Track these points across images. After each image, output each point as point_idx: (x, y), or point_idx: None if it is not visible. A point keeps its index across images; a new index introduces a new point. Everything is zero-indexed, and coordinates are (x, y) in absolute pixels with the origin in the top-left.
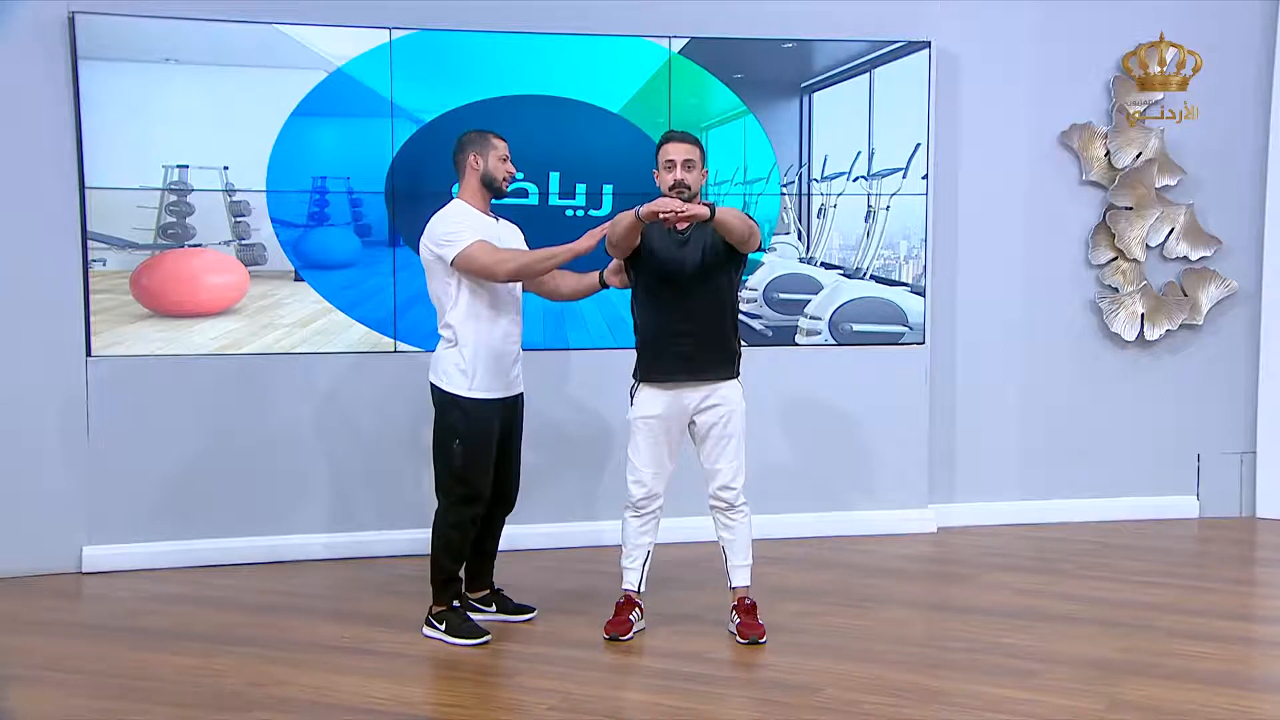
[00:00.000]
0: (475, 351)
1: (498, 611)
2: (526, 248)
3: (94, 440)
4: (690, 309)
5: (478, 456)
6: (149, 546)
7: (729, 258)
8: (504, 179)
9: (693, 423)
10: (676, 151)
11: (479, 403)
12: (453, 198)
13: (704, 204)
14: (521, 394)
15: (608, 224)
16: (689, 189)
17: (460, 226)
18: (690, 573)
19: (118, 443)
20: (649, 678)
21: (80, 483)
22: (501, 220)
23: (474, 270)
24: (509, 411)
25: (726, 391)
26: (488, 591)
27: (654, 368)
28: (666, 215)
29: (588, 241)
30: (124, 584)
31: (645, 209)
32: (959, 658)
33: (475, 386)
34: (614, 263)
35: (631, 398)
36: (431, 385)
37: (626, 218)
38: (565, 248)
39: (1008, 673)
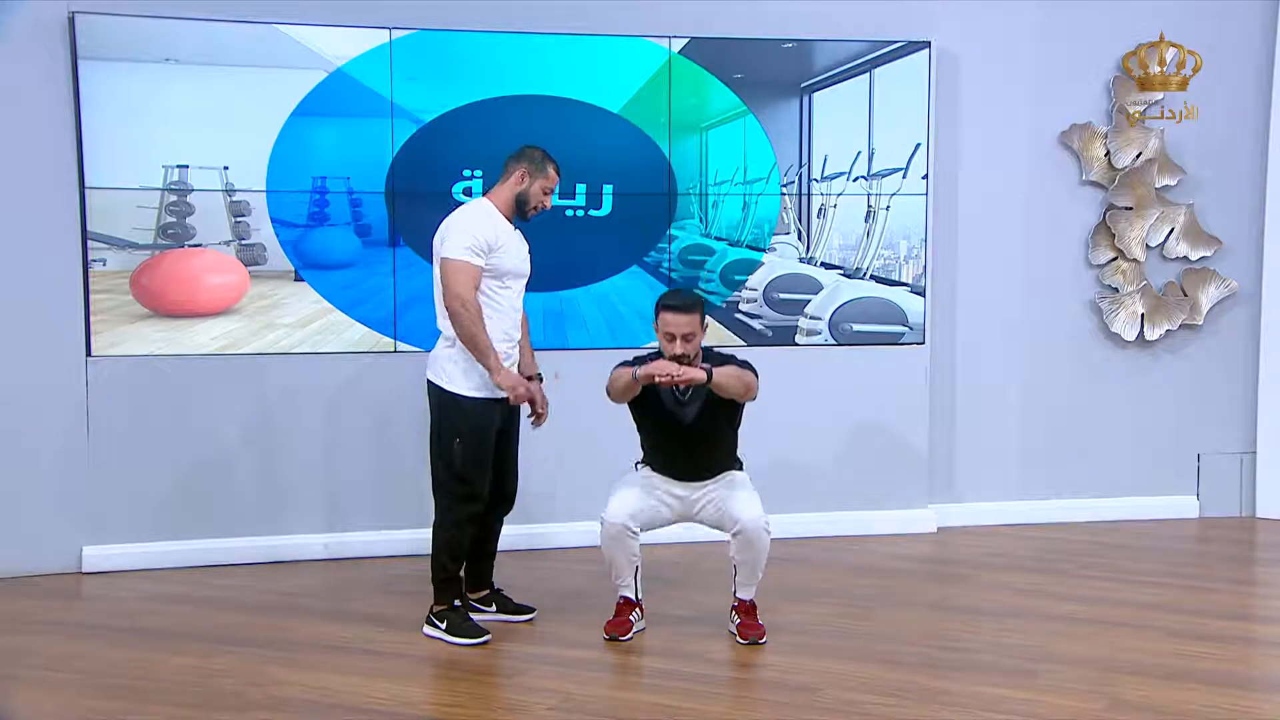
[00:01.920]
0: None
1: (498, 611)
2: (528, 261)
3: (94, 440)
4: (691, 453)
5: (477, 455)
6: (149, 546)
7: (726, 408)
8: (535, 207)
9: (697, 504)
10: (676, 325)
11: (479, 402)
12: (452, 197)
13: (701, 367)
14: None
15: (527, 391)
16: (688, 359)
17: (469, 237)
18: (690, 573)
19: (118, 443)
20: (649, 678)
21: (80, 483)
22: (517, 231)
23: (443, 281)
24: (506, 410)
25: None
26: (488, 591)
27: (657, 469)
28: (663, 380)
29: (503, 380)
30: (124, 584)
31: (642, 371)
32: (959, 658)
33: (476, 386)
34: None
35: (636, 468)
36: (430, 383)
37: (624, 376)
38: (490, 361)
39: (1008, 673)
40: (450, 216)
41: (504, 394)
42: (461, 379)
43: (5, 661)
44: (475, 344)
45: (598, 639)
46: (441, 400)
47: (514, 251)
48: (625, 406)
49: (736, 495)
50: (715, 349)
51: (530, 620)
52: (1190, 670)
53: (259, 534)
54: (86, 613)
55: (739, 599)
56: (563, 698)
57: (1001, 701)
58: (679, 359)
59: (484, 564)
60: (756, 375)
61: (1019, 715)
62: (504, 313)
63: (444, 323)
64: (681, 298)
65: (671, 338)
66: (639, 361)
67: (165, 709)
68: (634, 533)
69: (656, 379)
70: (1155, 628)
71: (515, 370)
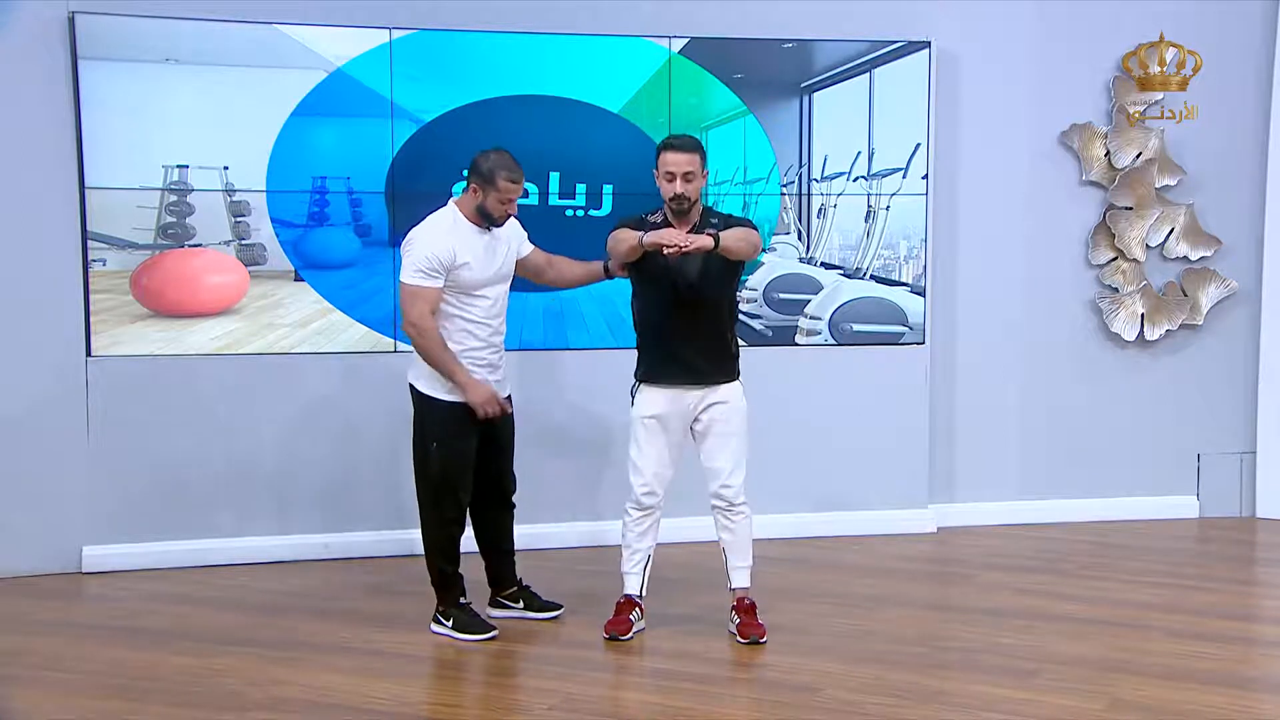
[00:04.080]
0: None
1: (525, 609)
2: (526, 237)
3: (94, 440)
4: (690, 316)
5: (455, 459)
6: (149, 546)
7: (728, 267)
8: (500, 217)
9: (696, 421)
10: (676, 163)
11: (455, 405)
12: (452, 197)
13: (709, 233)
14: (509, 396)
15: (501, 405)
16: (689, 200)
17: (422, 258)
18: (690, 573)
19: (118, 443)
20: (649, 678)
21: (80, 483)
22: (495, 228)
23: (400, 303)
24: None
25: (726, 391)
26: (514, 588)
27: (654, 371)
28: (671, 251)
29: (473, 395)
30: (124, 584)
31: (649, 238)
32: (959, 658)
33: (451, 389)
34: None
35: (632, 397)
36: (410, 385)
37: (629, 239)
38: (459, 379)
39: (1008, 673)
40: (413, 230)
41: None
42: (438, 382)
43: (5, 661)
44: (439, 367)
45: (598, 639)
46: (420, 404)
47: (481, 262)
48: (631, 414)
49: (726, 446)
50: (712, 208)
51: (557, 617)
52: (1190, 670)
53: (259, 534)
54: (86, 613)
55: (736, 592)
56: (563, 698)
57: (1001, 701)
58: (680, 200)
59: (503, 563)
60: (757, 230)
61: (1019, 715)
62: (480, 323)
63: None
64: (683, 138)
65: (672, 177)
66: (642, 223)
67: (165, 709)
68: (659, 509)
69: (664, 250)
70: (1155, 628)
71: (500, 372)
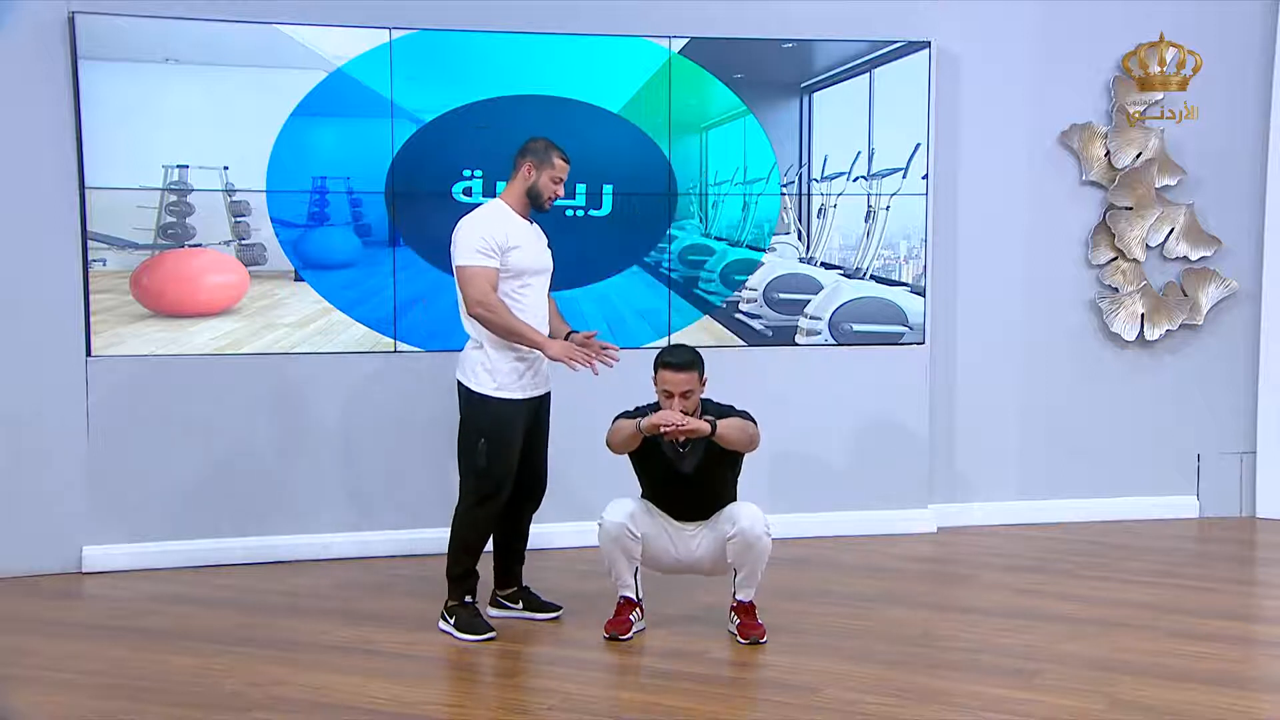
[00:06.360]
0: (499, 353)
1: (524, 609)
2: (547, 253)
3: (94, 440)
4: (691, 499)
5: (502, 456)
6: (149, 546)
7: (727, 459)
8: (549, 198)
9: (697, 544)
10: (675, 384)
11: (505, 402)
12: (452, 197)
13: (705, 419)
14: (549, 392)
15: (581, 348)
16: (688, 413)
17: (478, 239)
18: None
19: (118, 443)
20: (649, 678)
21: (80, 483)
22: (534, 224)
23: (461, 288)
24: (536, 409)
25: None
26: (516, 589)
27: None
28: (668, 431)
29: (553, 349)
30: (124, 584)
31: (647, 422)
32: (959, 658)
33: (501, 386)
34: (582, 337)
35: None
36: (459, 383)
37: (627, 428)
38: (535, 338)
39: (1008, 673)
40: (461, 220)
41: (531, 394)
42: (488, 380)
43: (5, 661)
44: (514, 336)
45: (598, 639)
46: (469, 400)
47: (530, 249)
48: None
49: (735, 504)
50: (714, 401)
51: (557, 618)
52: (1190, 670)
53: (259, 534)
54: (86, 613)
55: (738, 600)
56: (563, 698)
57: (1001, 701)
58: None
59: (513, 562)
60: (756, 424)
61: (1019, 715)
62: (528, 312)
63: (469, 325)
64: (680, 355)
65: (670, 395)
66: (640, 412)
67: (165, 709)
68: (634, 535)
69: (661, 430)
70: (1155, 628)
71: (544, 366)
